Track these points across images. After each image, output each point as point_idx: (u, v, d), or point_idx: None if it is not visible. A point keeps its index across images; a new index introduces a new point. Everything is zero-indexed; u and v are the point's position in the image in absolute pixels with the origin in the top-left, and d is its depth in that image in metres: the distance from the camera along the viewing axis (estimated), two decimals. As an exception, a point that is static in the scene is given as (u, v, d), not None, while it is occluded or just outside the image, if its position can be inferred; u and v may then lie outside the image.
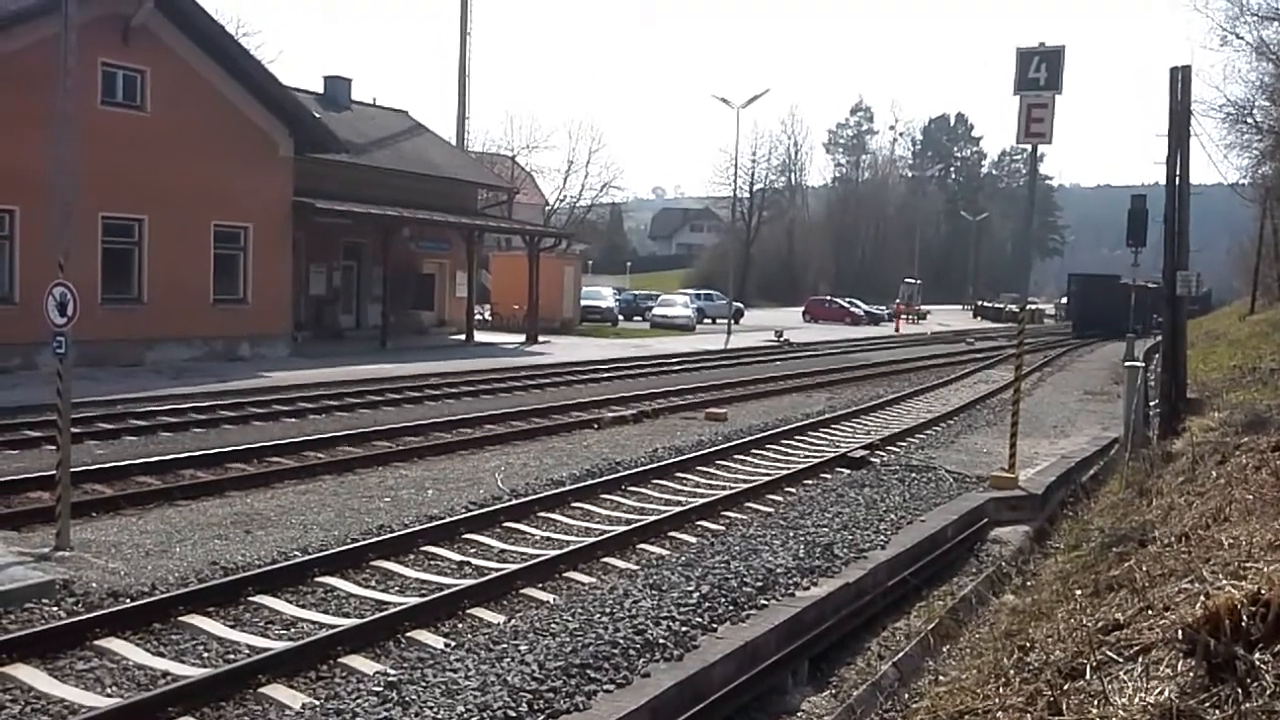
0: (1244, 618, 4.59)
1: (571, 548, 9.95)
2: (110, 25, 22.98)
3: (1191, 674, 4.67)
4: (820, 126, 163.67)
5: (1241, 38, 31.75)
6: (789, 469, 14.51)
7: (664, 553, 10.15)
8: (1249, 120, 34.94)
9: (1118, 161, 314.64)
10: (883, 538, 10.65)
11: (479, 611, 8.26)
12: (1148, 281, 54.35)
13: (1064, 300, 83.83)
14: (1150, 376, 19.02)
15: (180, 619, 7.75)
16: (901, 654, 8.28)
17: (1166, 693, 4.63)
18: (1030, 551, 11.61)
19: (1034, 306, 63.97)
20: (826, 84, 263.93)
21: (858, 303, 73.89)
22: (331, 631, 7.50)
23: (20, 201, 21.21)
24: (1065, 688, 5.20)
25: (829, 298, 75.38)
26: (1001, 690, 5.75)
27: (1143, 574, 7.03)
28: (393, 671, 6.79)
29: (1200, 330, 42.50)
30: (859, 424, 19.78)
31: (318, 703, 6.34)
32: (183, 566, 9.01)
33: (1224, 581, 5.47)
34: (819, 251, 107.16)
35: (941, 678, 7.28)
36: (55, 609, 7.84)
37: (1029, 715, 5.16)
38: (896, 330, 60.67)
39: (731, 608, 8.23)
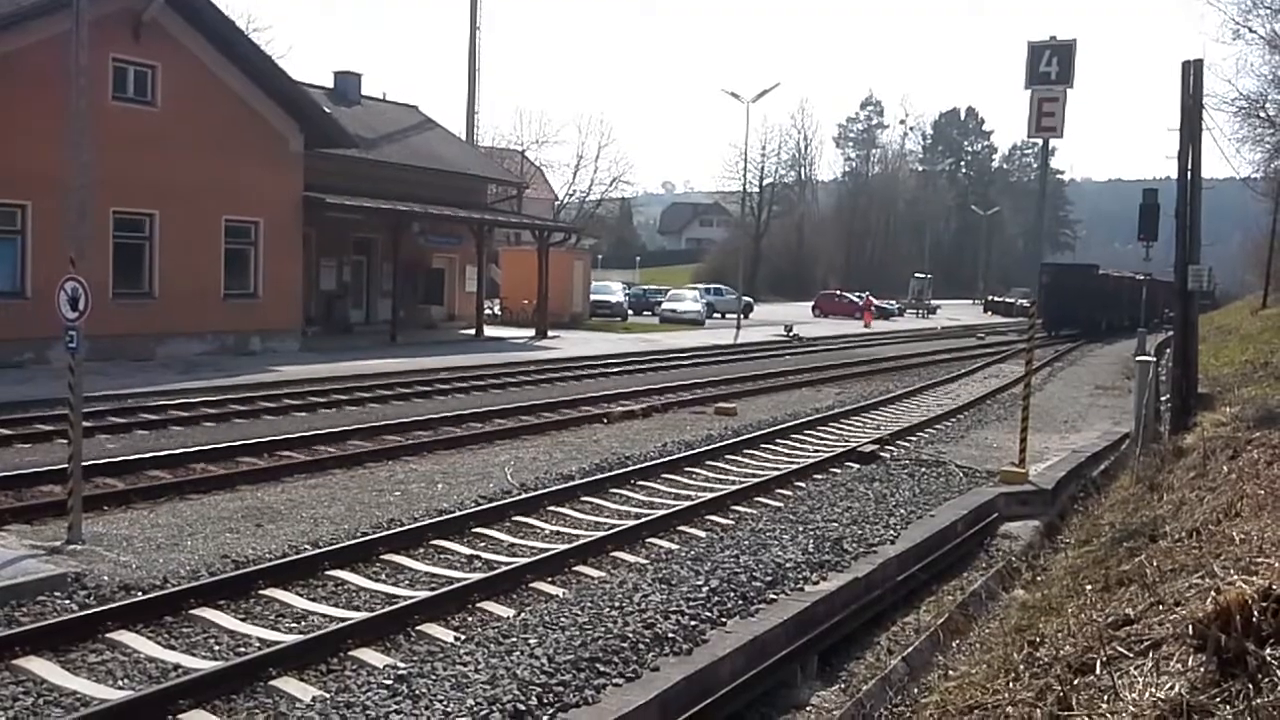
0: (1255, 613, 4.58)
1: (581, 542, 9.96)
2: (121, 21, 23.04)
3: (1202, 669, 4.67)
4: (830, 121, 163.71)
5: (1254, 31, 31.50)
6: (798, 464, 14.50)
7: (673, 547, 10.16)
8: (1261, 114, 34.71)
9: (1130, 155, 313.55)
10: (892, 532, 10.64)
11: (488, 605, 8.28)
12: (1135, 274, 52.09)
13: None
14: (1161, 371, 18.95)
15: (191, 612, 7.78)
16: (911, 649, 8.28)
17: (1177, 688, 4.62)
18: (1040, 546, 11.60)
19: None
20: (836, 78, 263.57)
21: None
22: (342, 625, 7.52)
23: (32, 197, 21.29)
24: (1075, 683, 5.19)
25: (839, 292, 75.23)
26: (1011, 685, 5.75)
27: (1153, 569, 7.01)
28: (403, 665, 6.82)
29: (1212, 325, 42.30)
30: (868, 419, 19.76)
31: (328, 695, 6.36)
32: (194, 560, 9.04)
33: (1235, 577, 5.45)
34: (829, 246, 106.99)
35: (951, 672, 7.27)
36: (67, 602, 7.87)
37: (1039, 710, 5.15)
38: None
39: (740, 602, 8.24)
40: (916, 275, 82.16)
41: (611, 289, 53.27)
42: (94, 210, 19.35)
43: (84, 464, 9.91)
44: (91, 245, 17.97)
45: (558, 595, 8.52)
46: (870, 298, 67.54)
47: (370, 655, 7.17)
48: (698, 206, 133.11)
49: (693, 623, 7.67)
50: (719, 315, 56.14)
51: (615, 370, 27.24)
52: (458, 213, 35.67)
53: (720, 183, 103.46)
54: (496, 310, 45.04)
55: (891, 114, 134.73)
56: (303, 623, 7.83)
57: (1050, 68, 13.10)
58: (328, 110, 30.31)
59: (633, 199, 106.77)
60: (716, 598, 8.22)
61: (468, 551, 9.84)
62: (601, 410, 18.98)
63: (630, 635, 7.28)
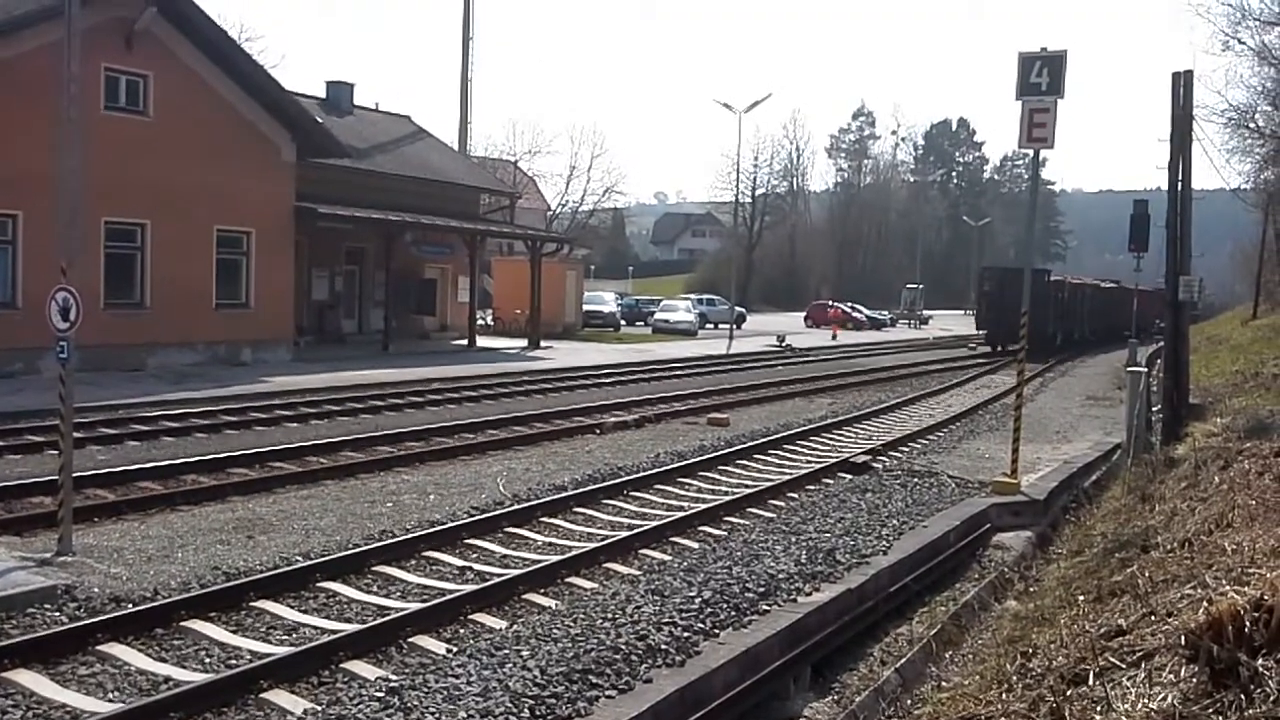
0: (1247, 624, 4.59)
1: (573, 553, 9.95)
2: (113, 30, 23.02)
3: (1194, 680, 4.67)
4: (822, 131, 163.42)
5: (1243, 43, 31.73)
6: (791, 474, 14.50)
7: (666, 558, 10.14)
8: (1251, 125, 34.91)
9: (1120, 166, 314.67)
10: (885, 543, 10.64)
11: (481, 617, 8.26)
12: (1100, 280, 48.01)
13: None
14: (1153, 382, 19.00)
15: (182, 624, 7.76)
16: (904, 660, 8.27)
17: (1169, 699, 4.63)
18: (1033, 557, 11.60)
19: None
20: (829, 89, 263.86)
21: (860, 308, 73.86)
22: (333, 637, 7.49)
23: (23, 206, 21.24)
24: (1068, 694, 5.19)
25: (831, 303, 75.28)
26: (1004, 696, 5.75)
27: (1145, 580, 7.02)
28: (394, 677, 6.79)
29: (1203, 335, 42.42)
30: (861, 429, 19.77)
31: (320, 708, 6.34)
32: (185, 571, 9.01)
33: (1227, 587, 5.47)
34: (821, 256, 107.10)
35: (944, 684, 7.27)
36: (58, 614, 7.83)
37: (1031, 721, 5.15)
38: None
39: (733, 613, 8.22)
40: (908, 286, 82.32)
41: (604, 299, 53.29)
42: (85, 220, 19.32)
43: (74, 475, 9.88)
44: (83, 255, 17.93)
45: (550, 607, 8.50)
46: (840, 308, 65.86)
47: (362, 667, 7.14)
48: (690, 217, 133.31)
49: (685, 634, 7.66)
50: (712, 325, 56.18)
51: (608, 381, 27.23)
52: (450, 223, 35.66)
53: (713, 193, 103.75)
54: (489, 320, 45.03)
55: (883, 125, 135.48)
56: (294, 635, 7.81)
57: (1041, 79, 13.14)
58: (320, 120, 30.32)
59: (625, 209, 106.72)
60: (709, 609, 8.21)
61: (460, 563, 9.81)
62: (594, 421, 18.97)
63: (623, 647, 7.26)
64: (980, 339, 47.33)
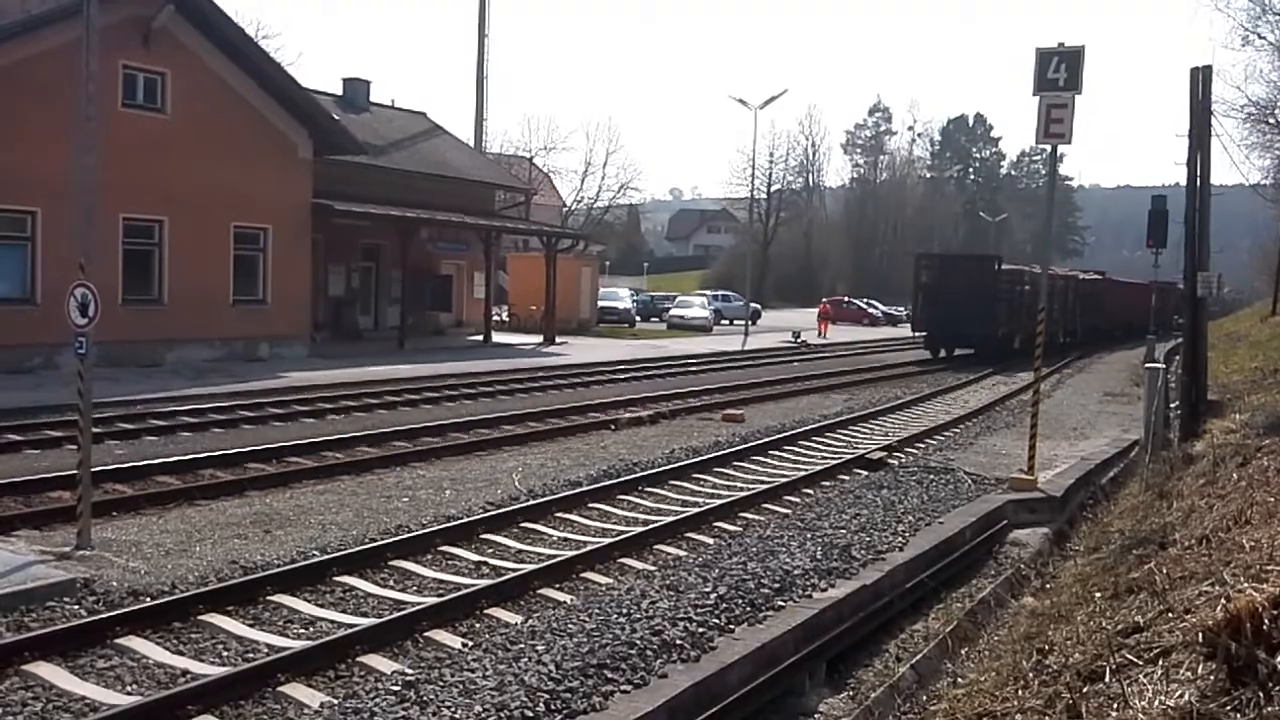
0: (1265, 621, 4.56)
1: (589, 548, 9.96)
2: (131, 28, 23.15)
3: (1212, 677, 4.65)
4: (838, 127, 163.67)
5: (1263, 38, 31.57)
6: (806, 470, 14.48)
7: (681, 554, 10.14)
8: (1270, 120, 34.68)
9: (1138, 162, 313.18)
10: (901, 539, 10.61)
11: (496, 611, 8.28)
12: (1078, 272, 43.32)
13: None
14: (1170, 378, 18.89)
15: (200, 618, 7.80)
16: (919, 656, 8.25)
17: (1187, 696, 4.61)
18: (1049, 554, 11.55)
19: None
20: (844, 84, 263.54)
21: (875, 304, 73.69)
22: (350, 631, 7.53)
23: (42, 203, 21.39)
24: (1084, 690, 5.18)
25: (846, 299, 75.06)
26: (1020, 693, 5.73)
27: (1163, 576, 6.98)
28: (410, 671, 6.82)
29: (1221, 332, 42.10)
30: (876, 425, 19.73)
31: (336, 701, 6.36)
32: (202, 565, 9.06)
33: (1245, 584, 5.43)
34: (837, 252, 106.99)
35: (960, 680, 7.25)
36: (76, 607, 7.89)
37: (1048, 718, 5.14)
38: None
39: (749, 609, 8.22)
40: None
41: (619, 295, 53.41)
42: (103, 216, 19.42)
43: (93, 470, 9.94)
44: (101, 252, 18.02)
45: (566, 602, 8.51)
46: (829, 305, 64.52)
47: (378, 661, 7.18)
48: (705, 213, 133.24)
49: (701, 630, 7.65)
50: (727, 321, 56.22)
51: (623, 376, 27.24)
52: (466, 219, 35.75)
53: (728, 189, 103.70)
54: (504, 317, 45.15)
55: (899, 120, 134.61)
56: (311, 629, 7.84)
57: (1058, 74, 13.06)
58: (336, 117, 30.44)
59: (640, 205, 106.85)
60: (724, 605, 8.20)
61: (475, 558, 9.84)
62: (609, 417, 18.99)
63: (638, 642, 7.26)
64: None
